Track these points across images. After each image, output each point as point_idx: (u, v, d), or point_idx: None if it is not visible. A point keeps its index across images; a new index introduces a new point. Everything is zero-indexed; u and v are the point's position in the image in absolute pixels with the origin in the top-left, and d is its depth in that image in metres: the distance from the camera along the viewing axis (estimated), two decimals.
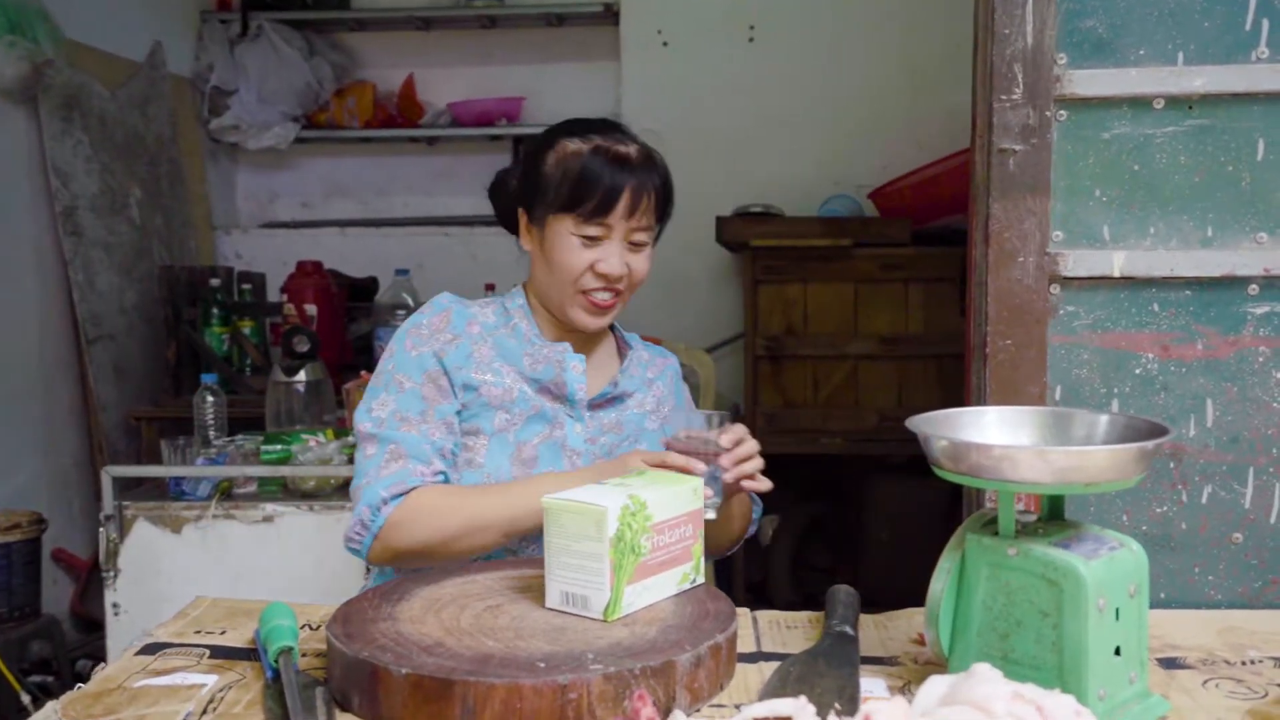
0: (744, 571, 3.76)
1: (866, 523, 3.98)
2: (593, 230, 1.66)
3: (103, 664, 1.24)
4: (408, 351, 1.68)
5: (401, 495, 1.59)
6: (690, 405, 1.94)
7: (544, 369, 1.71)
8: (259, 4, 4.61)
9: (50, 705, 1.14)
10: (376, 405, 1.66)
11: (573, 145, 1.69)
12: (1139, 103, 1.52)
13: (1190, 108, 1.52)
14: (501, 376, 1.70)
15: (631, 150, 1.70)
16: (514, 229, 1.78)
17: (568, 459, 1.69)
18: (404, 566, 1.64)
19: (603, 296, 1.69)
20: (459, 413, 1.69)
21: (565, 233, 1.66)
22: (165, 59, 4.34)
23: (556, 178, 1.67)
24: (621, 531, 1.26)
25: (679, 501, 1.35)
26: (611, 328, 1.87)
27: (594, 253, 1.66)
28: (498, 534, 1.58)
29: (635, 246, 1.70)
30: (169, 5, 4.49)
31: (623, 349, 1.88)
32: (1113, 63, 1.52)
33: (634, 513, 1.28)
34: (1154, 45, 1.51)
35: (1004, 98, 1.52)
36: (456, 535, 1.57)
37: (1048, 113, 1.51)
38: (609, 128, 1.73)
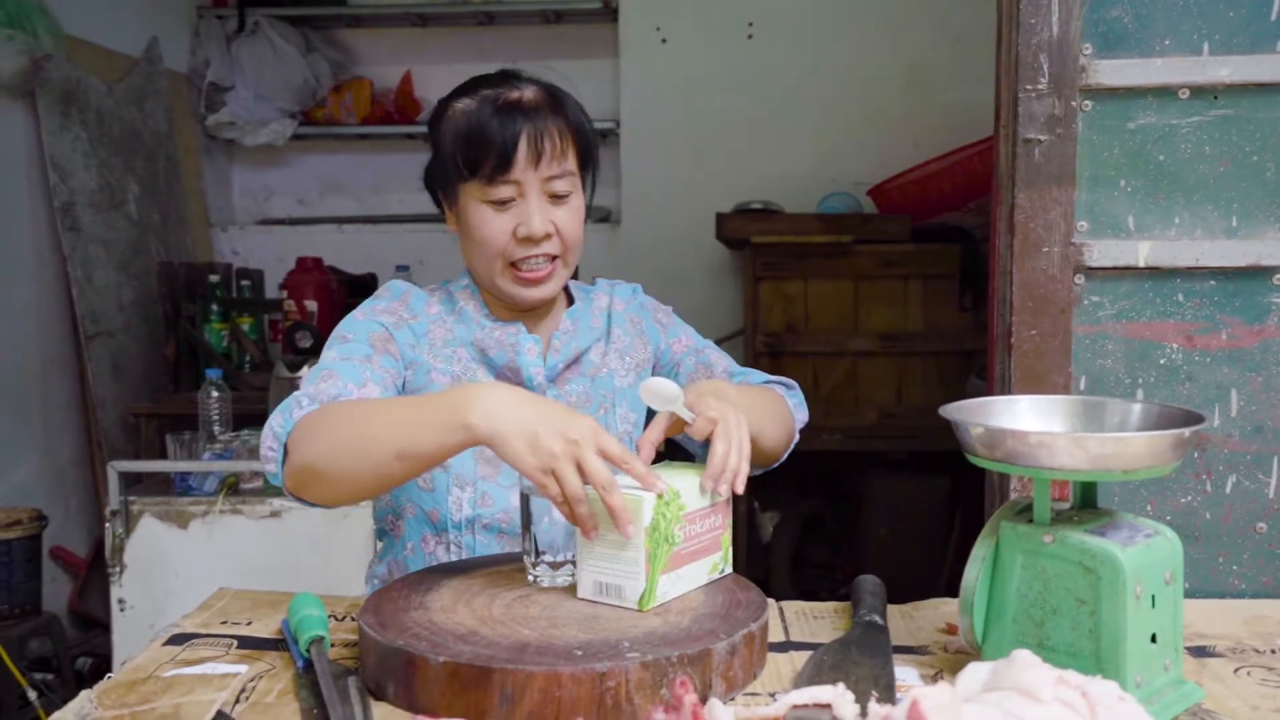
0: (746, 568, 3.77)
1: (866, 519, 3.98)
2: (501, 191, 1.49)
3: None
4: (356, 318, 1.56)
5: (319, 404, 1.37)
6: (667, 330, 1.73)
7: (497, 353, 1.57)
8: (256, 0, 4.59)
9: (84, 694, 1.13)
10: (317, 366, 1.49)
11: (461, 105, 1.52)
12: (1164, 93, 1.53)
13: (1215, 98, 1.52)
14: (451, 364, 1.57)
15: (525, 93, 1.51)
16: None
17: None
18: (314, 500, 1.37)
19: (536, 264, 1.52)
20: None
21: (475, 202, 1.50)
22: (162, 54, 4.32)
23: (449, 144, 1.51)
24: (656, 521, 1.25)
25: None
26: (566, 289, 1.69)
27: (510, 217, 1.50)
28: (389, 450, 1.27)
29: (557, 199, 1.51)
30: (166, 1, 4.47)
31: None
32: (1138, 53, 1.52)
33: (668, 502, 1.27)
34: (1179, 35, 1.52)
35: (1029, 88, 1.52)
36: (345, 446, 1.29)
37: (1073, 103, 1.52)
38: (501, 77, 1.55)
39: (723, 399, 1.38)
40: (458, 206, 1.55)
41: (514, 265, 1.52)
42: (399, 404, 1.35)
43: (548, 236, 1.51)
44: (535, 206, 1.49)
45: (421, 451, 1.27)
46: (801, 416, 1.69)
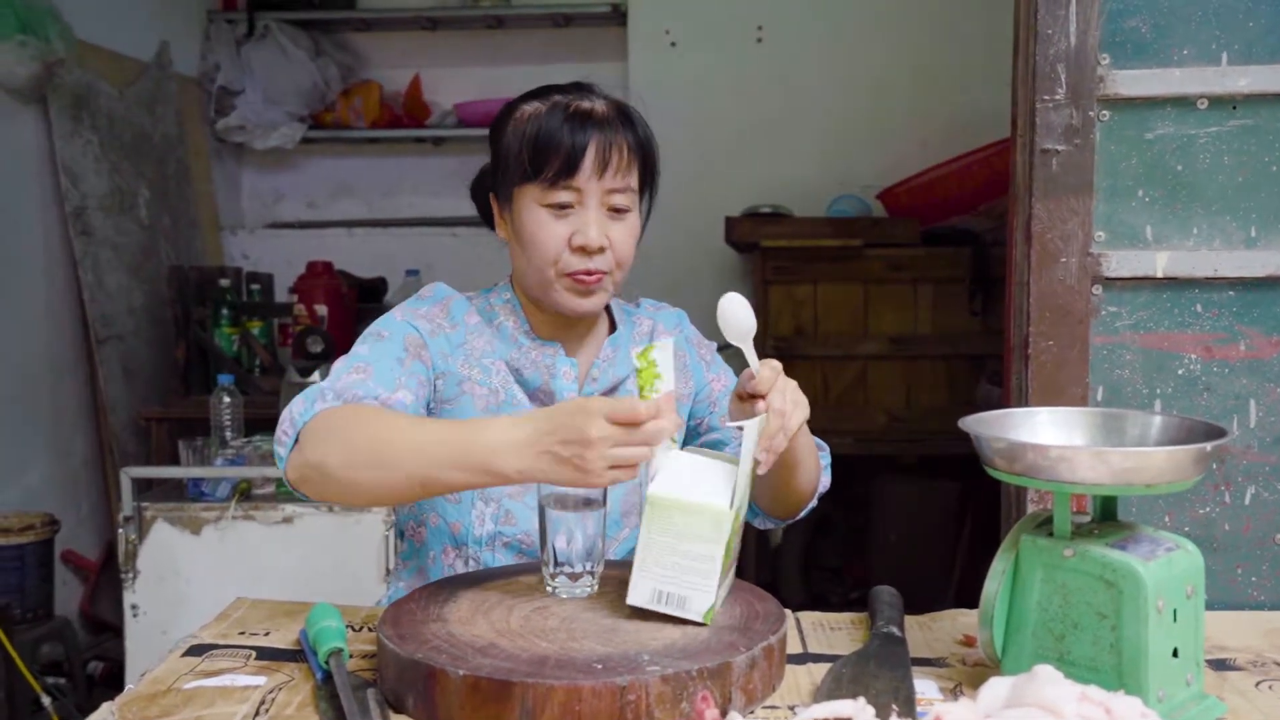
0: (754, 572, 3.76)
1: (875, 523, 3.98)
2: (561, 196, 1.46)
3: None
4: (395, 318, 1.54)
5: (344, 402, 1.36)
6: (709, 367, 1.71)
7: (532, 374, 1.55)
8: (265, 4, 4.59)
9: (106, 706, 1.13)
10: (350, 356, 1.48)
11: (530, 108, 1.51)
12: (1182, 103, 1.52)
13: (1234, 108, 1.51)
14: (490, 375, 1.54)
15: (597, 105, 1.50)
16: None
17: None
18: (313, 496, 1.36)
19: (587, 276, 1.49)
20: (440, 408, 1.54)
21: (533, 205, 1.48)
22: (172, 59, 4.32)
23: (515, 146, 1.49)
24: (730, 535, 1.25)
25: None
26: (607, 309, 1.66)
27: (567, 224, 1.47)
28: (405, 478, 1.27)
29: (615, 213, 1.49)
30: (176, 5, 4.47)
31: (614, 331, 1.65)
32: (1156, 63, 1.52)
33: (736, 513, 1.26)
34: (1198, 45, 1.51)
35: (1046, 98, 1.51)
36: (363, 457, 1.29)
37: (1091, 113, 1.51)
38: (575, 87, 1.54)
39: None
40: (513, 210, 1.52)
41: (569, 275, 1.49)
42: (426, 429, 1.32)
43: (602, 250, 1.48)
44: (594, 217, 1.47)
45: (445, 485, 1.29)
46: (825, 479, 1.67)
